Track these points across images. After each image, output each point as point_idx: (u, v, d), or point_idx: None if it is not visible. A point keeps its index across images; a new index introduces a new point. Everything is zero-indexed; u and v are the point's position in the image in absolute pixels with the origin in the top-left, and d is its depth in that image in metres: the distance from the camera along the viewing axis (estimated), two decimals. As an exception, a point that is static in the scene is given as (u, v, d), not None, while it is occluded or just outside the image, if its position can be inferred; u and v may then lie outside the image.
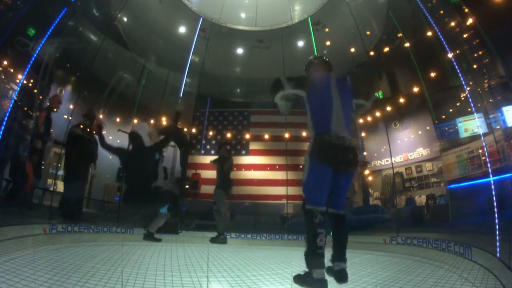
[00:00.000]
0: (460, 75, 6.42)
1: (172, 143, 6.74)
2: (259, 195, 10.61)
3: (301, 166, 11.38)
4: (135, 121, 10.05)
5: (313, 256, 1.91)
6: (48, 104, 5.94)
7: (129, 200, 4.43)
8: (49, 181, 7.65)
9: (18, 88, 5.85)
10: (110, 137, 7.76)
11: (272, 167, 11.09)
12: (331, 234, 2.16)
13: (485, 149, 7.08)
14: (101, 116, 8.53)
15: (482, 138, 7.20)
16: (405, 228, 6.17)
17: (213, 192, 5.59)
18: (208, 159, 11.38)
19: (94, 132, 5.34)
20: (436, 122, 8.92)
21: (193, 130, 11.11)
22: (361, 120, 10.77)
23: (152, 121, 10.62)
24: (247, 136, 11.31)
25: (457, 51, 6.88)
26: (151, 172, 4.33)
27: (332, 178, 2.03)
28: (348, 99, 2.24)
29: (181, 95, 9.68)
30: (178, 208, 5.42)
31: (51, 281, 1.82)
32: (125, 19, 9.70)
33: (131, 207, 5.44)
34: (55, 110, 5.90)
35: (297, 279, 1.98)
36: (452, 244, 3.62)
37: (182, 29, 10.59)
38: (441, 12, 7.29)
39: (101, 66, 8.61)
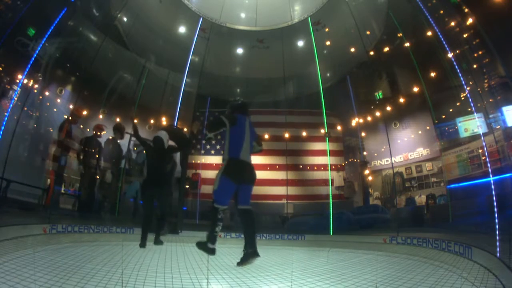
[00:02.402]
0: (460, 75, 6.40)
1: (171, 142, 6.73)
2: (259, 195, 10.60)
3: (301, 166, 11.40)
4: (135, 121, 10.03)
5: (211, 236, 2.95)
6: (70, 117, 6.54)
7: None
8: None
9: (18, 88, 5.86)
10: (110, 137, 7.77)
11: (272, 167, 11.10)
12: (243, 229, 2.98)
13: (485, 149, 7.07)
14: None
15: (482, 138, 7.19)
16: (405, 228, 6.17)
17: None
18: (208, 159, 11.46)
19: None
20: (436, 122, 8.91)
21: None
22: (361, 120, 10.79)
23: (152, 121, 10.62)
24: (247, 136, 11.29)
25: (457, 51, 6.86)
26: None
27: (236, 188, 2.97)
28: (253, 137, 3.24)
29: (181, 97, 9.61)
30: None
31: (51, 282, 1.82)
32: (125, 19, 9.69)
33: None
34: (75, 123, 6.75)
35: (199, 245, 3.01)
36: (452, 244, 3.62)
37: (182, 29, 10.57)
38: (441, 12, 7.28)
39: (101, 66, 8.60)
